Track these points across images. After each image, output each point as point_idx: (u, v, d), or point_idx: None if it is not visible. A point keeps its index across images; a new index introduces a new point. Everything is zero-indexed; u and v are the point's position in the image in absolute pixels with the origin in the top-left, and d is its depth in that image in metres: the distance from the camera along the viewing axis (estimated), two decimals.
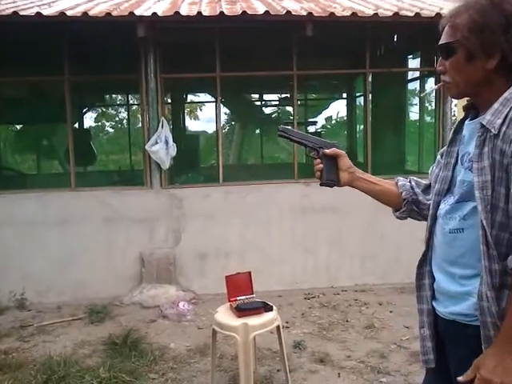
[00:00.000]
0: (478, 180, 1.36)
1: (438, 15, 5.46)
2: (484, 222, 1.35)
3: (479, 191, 1.36)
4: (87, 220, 5.78)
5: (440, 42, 1.47)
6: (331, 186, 1.80)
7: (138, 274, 5.82)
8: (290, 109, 14.07)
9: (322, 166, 1.77)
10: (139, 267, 5.81)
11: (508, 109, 1.33)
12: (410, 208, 1.77)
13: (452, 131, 1.61)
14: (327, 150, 1.77)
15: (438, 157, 1.66)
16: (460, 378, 1.37)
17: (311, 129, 13.17)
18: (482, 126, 1.37)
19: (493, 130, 1.34)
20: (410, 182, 1.79)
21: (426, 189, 1.76)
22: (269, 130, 15.74)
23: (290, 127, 1.91)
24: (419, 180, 1.80)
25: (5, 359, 4.17)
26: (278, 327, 3.38)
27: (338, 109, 15.62)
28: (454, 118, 13.27)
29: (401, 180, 1.80)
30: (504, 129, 1.32)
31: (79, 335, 4.72)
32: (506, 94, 1.36)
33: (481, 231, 1.36)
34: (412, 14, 5.48)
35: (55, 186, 6.34)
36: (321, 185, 1.81)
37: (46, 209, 5.77)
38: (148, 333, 4.70)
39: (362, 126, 9.49)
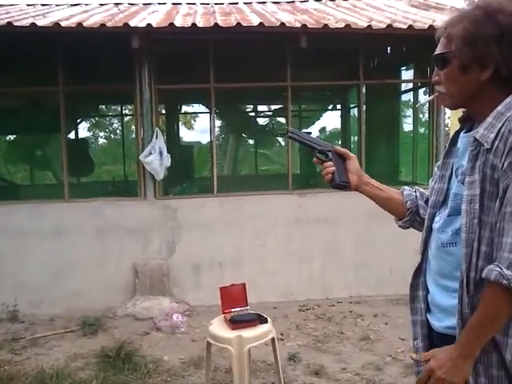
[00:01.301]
0: (467, 193, 1.36)
1: (431, 27, 5.49)
2: (464, 235, 1.35)
3: (466, 204, 1.36)
4: (81, 231, 5.75)
5: (435, 53, 1.47)
6: (344, 188, 1.76)
7: (131, 285, 5.78)
8: (283, 120, 14.13)
9: (333, 168, 1.72)
10: (133, 278, 5.77)
11: (501, 123, 1.32)
12: (413, 218, 1.76)
13: (448, 143, 1.60)
14: (340, 149, 1.76)
15: (435, 169, 1.66)
16: (413, 355, 1.49)
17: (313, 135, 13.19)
18: (475, 139, 1.37)
19: (485, 145, 1.34)
20: (415, 191, 1.79)
21: (427, 201, 1.75)
22: (263, 141, 15.77)
23: (298, 131, 1.90)
24: (424, 191, 1.79)
25: None
26: (272, 339, 3.35)
27: (331, 120, 15.67)
28: (447, 129, 13.36)
29: (406, 189, 1.78)
30: (496, 143, 1.31)
31: (72, 348, 4.68)
32: (499, 108, 1.36)
33: (464, 247, 1.36)
34: (405, 27, 5.51)
35: (49, 196, 6.30)
36: (333, 187, 1.75)
37: (40, 219, 5.74)
38: (141, 345, 4.66)
39: (355, 137, 9.51)
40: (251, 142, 16.03)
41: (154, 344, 4.73)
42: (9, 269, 5.64)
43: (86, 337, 4.95)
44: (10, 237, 5.66)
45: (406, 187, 1.80)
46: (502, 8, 1.34)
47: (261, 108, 14.16)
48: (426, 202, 1.73)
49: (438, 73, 1.47)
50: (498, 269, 1.26)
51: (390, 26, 5.54)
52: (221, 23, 5.49)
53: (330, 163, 1.73)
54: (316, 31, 5.44)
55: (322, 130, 17.05)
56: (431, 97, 1.61)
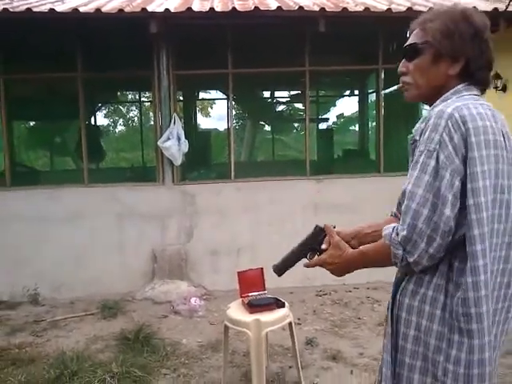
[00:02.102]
0: (404, 188, 1.43)
1: None
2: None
3: (401, 197, 1.49)
4: (100, 216, 5.82)
5: (408, 43, 1.54)
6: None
7: (150, 269, 5.84)
8: (301, 105, 14.06)
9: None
10: (151, 263, 5.83)
11: (431, 115, 1.38)
12: None
13: None
14: (327, 238, 1.69)
15: None
16: (306, 263, 1.74)
17: (323, 125, 13.12)
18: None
19: (416, 137, 1.44)
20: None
21: None
22: (280, 127, 15.71)
23: (277, 263, 1.90)
24: None
25: (18, 353, 4.21)
26: (290, 324, 3.37)
27: (349, 105, 15.59)
28: None
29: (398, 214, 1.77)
30: (423, 133, 1.39)
31: (92, 330, 4.76)
32: (437, 101, 1.47)
33: None
34: (426, 9, 5.42)
35: (68, 181, 6.37)
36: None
37: (59, 204, 5.81)
38: (160, 328, 4.72)
39: (373, 123, 9.44)
40: (268, 127, 15.98)
41: (173, 327, 4.79)
42: (29, 253, 5.73)
43: (106, 319, 5.03)
44: (30, 221, 5.74)
45: (395, 211, 1.76)
46: (476, 13, 1.48)
47: (278, 94, 14.10)
48: None
49: (405, 64, 1.55)
50: (391, 230, 1.40)
51: (410, 8, 5.46)
52: (239, 8, 5.46)
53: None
54: (335, 15, 5.38)
55: (340, 115, 16.96)
56: (396, 86, 1.66)
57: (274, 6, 5.53)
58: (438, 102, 1.46)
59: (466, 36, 1.43)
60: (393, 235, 1.38)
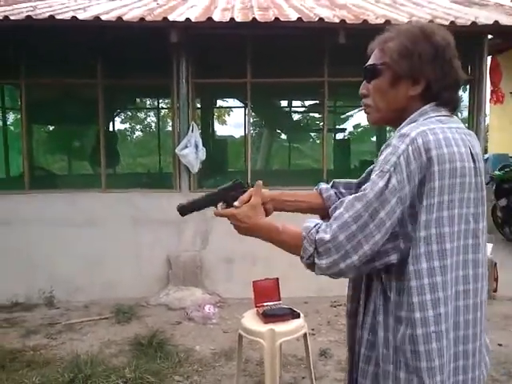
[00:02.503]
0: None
1: (474, 24, 5.40)
2: None
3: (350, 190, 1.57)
4: (116, 221, 5.86)
5: (367, 64, 1.47)
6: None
7: (164, 275, 5.87)
8: (318, 115, 14.06)
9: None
10: (166, 269, 5.86)
11: (395, 136, 1.32)
12: None
13: None
14: (246, 195, 1.56)
15: None
16: (215, 211, 1.62)
17: (340, 135, 13.11)
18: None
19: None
20: (334, 187, 1.71)
21: (359, 184, 1.67)
22: (297, 136, 15.70)
23: (185, 202, 1.73)
24: (348, 181, 1.72)
25: (33, 355, 4.26)
26: (304, 334, 3.36)
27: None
28: (487, 125, 13.08)
29: (324, 190, 1.69)
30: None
31: (106, 334, 4.79)
32: (403, 123, 1.38)
33: None
34: (447, 23, 5.42)
35: (85, 186, 6.44)
36: None
37: (76, 209, 5.87)
38: (173, 334, 4.73)
39: (392, 133, 9.41)
40: (285, 136, 16.00)
41: (186, 334, 4.80)
42: (45, 256, 5.79)
43: (120, 324, 5.06)
44: (47, 225, 5.81)
45: (322, 186, 1.71)
46: (437, 31, 1.39)
47: (296, 103, 14.13)
48: (354, 188, 1.68)
49: (365, 85, 1.47)
50: (312, 225, 1.33)
51: (431, 21, 5.45)
52: (259, 18, 5.50)
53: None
54: (355, 27, 5.39)
55: (357, 125, 16.92)
56: (359, 109, 1.57)
57: (294, 17, 5.56)
58: (404, 123, 1.37)
59: (426, 56, 1.35)
60: (312, 231, 1.31)
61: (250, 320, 3.35)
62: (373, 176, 1.28)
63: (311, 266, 1.34)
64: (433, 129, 1.28)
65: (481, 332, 1.39)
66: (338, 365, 4.06)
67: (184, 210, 1.71)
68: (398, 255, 1.29)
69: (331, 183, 1.72)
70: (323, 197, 1.68)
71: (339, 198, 1.65)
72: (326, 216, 1.63)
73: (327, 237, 1.27)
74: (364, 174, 1.66)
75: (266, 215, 1.59)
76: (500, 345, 4.45)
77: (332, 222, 1.29)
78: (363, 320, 1.41)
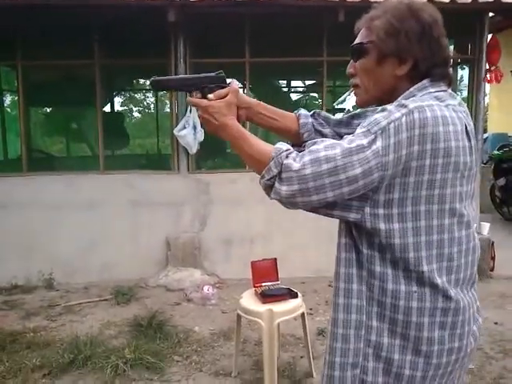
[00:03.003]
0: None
1: (474, 1, 5.33)
2: None
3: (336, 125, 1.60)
4: (115, 203, 5.86)
5: (354, 43, 1.44)
6: None
7: (163, 257, 5.88)
8: (317, 95, 13.97)
9: None
10: (165, 250, 5.87)
11: (393, 104, 1.28)
12: None
13: None
14: (223, 91, 1.47)
15: None
16: (188, 98, 1.48)
17: (339, 115, 13.05)
18: None
19: (368, 113, 1.39)
20: (313, 117, 1.67)
21: (338, 124, 1.66)
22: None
23: (162, 77, 1.56)
24: (327, 115, 1.67)
25: (33, 337, 4.28)
26: (302, 314, 3.38)
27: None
28: (486, 105, 13.02)
29: (302, 116, 1.64)
30: None
31: (105, 316, 4.81)
32: (399, 99, 1.34)
33: None
34: (447, 0, 5.36)
35: (84, 168, 6.42)
36: None
37: (75, 191, 5.86)
38: (173, 315, 4.76)
39: None
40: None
41: (185, 315, 4.83)
42: (44, 238, 5.80)
43: (119, 305, 5.08)
44: (45, 207, 5.80)
45: (302, 112, 1.66)
46: (425, 8, 1.35)
47: (295, 83, 14.02)
48: (336, 124, 1.65)
49: (352, 64, 1.45)
50: (284, 149, 1.29)
51: None
52: None
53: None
54: (355, 5, 5.32)
55: (356, 105, 16.85)
56: (349, 91, 1.49)
57: None
58: (401, 97, 1.33)
59: (413, 34, 1.31)
60: (282, 154, 1.27)
61: (249, 300, 3.37)
62: (358, 130, 1.25)
63: (269, 188, 1.31)
64: (431, 105, 1.24)
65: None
66: None
67: (158, 85, 1.57)
68: (359, 216, 1.28)
69: (312, 112, 1.68)
70: (299, 122, 1.64)
71: (315, 129, 1.64)
72: (297, 144, 1.61)
73: (295, 165, 1.23)
74: (346, 116, 1.65)
75: (237, 121, 1.49)
76: (496, 323, 4.48)
77: (306, 153, 1.25)
78: (338, 271, 1.40)
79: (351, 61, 1.45)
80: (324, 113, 1.68)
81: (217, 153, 9.06)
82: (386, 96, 1.39)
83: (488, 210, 8.55)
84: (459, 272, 1.33)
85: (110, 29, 6.17)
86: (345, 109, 14.09)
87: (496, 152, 8.54)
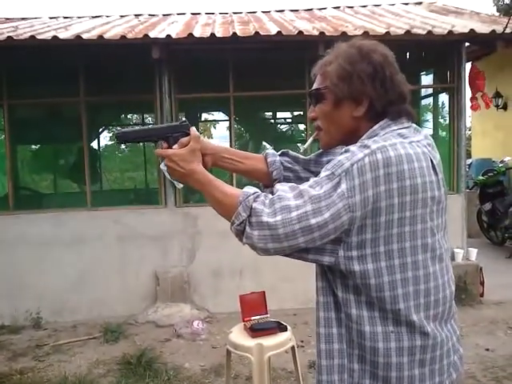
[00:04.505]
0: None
1: (451, 33, 5.48)
2: None
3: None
4: (102, 239, 5.84)
5: (311, 89, 1.47)
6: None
7: (152, 292, 5.84)
8: (303, 126, 14.11)
9: None
10: (154, 285, 5.83)
11: (355, 145, 1.29)
12: None
13: None
14: (185, 139, 1.50)
15: None
16: (156, 149, 1.51)
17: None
18: None
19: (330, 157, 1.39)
20: (282, 156, 1.70)
21: (307, 162, 1.68)
22: (282, 148, 15.70)
23: (127, 129, 1.58)
24: (296, 156, 1.71)
25: (20, 379, 4.21)
26: (292, 347, 3.36)
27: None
28: (469, 132, 13.22)
29: (270, 155, 1.67)
30: None
31: (94, 354, 4.74)
32: (363, 137, 1.36)
33: None
34: (424, 32, 5.50)
35: (72, 205, 6.41)
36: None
37: (62, 228, 5.84)
38: (162, 352, 4.70)
39: None
40: (270, 147, 16.01)
41: (175, 351, 4.77)
42: (32, 277, 5.74)
43: (108, 343, 5.02)
44: (33, 245, 5.76)
45: (269, 151, 1.69)
46: (375, 48, 1.38)
47: (280, 115, 14.16)
48: (305, 163, 1.68)
49: (312, 109, 1.47)
50: (251, 192, 1.29)
51: (408, 32, 5.53)
52: (239, 33, 5.54)
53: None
54: (334, 39, 5.44)
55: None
56: (313, 135, 1.51)
57: (274, 30, 5.61)
58: (364, 136, 1.35)
59: (365, 76, 1.33)
60: (250, 197, 1.27)
61: (238, 335, 3.34)
62: (323, 174, 1.26)
63: (240, 233, 1.32)
64: (394, 144, 1.25)
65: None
66: None
67: (124, 137, 1.56)
68: (333, 260, 1.28)
69: (280, 152, 1.70)
70: (267, 161, 1.66)
71: (284, 166, 1.66)
72: (267, 185, 1.64)
73: (265, 210, 1.24)
74: (315, 154, 1.67)
75: (204, 167, 1.50)
76: (487, 349, 4.48)
77: (275, 199, 1.25)
78: (318, 316, 1.39)
79: (311, 106, 1.47)
80: (292, 152, 1.71)
81: None
82: (348, 137, 1.40)
83: (476, 234, 8.62)
84: (437, 307, 1.33)
85: (94, 66, 6.25)
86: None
87: (481, 177, 8.65)
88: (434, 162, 1.31)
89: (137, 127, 1.64)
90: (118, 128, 1.71)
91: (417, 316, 1.29)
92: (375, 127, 1.35)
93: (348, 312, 1.32)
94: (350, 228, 1.23)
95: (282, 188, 1.30)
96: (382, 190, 1.21)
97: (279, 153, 1.70)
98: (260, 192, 1.32)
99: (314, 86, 1.45)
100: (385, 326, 1.28)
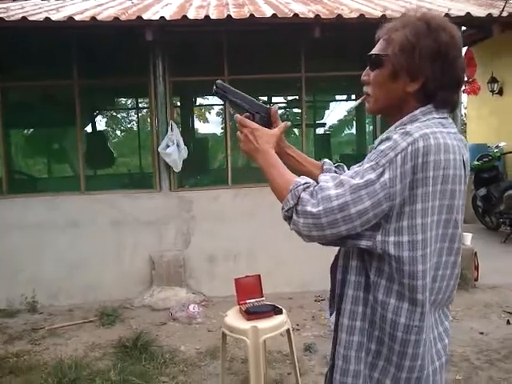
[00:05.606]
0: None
1: (447, 16, 5.43)
2: None
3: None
4: (97, 223, 5.82)
5: (371, 52, 1.44)
6: None
7: (148, 276, 5.84)
8: (298, 110, 14.06)
9: None
10: (149, 270, 5.83)
11: (398, 132, 1.30)
12: None
13: None
14: (273, 113, 1.61)
15: None
16: (237, 116, 1.54)
17: (320, 130, 13.16)
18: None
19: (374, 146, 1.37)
20: (336, 167, 1.74)
21: None
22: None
23: (230, 87, 1.63)
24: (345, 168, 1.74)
25: (16, 362, 4.21)
26: (287, 330, 3.37)
27: (346, 110, 15.52)
28: (464, 118, 13.21)
29: (327, 164, 1.72)
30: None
31: (90, 338, 4.75)
32: (404, 118, 1.37)
33: None
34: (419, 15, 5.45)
35: (66, 189, 6.38)
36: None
37: (57, 212, 5.82)
38: (158, 335, 4.72)
39: (371, 127, 9.47)
40: None
41: (171, 334, 4.79)
42: (27, 261, 5.73)
43: (104, 327, 5.03)
44: (27, 230, 5.74)
45: (327, 160, 1.74)
46: (445, 26, 1.34)
47: (275, 99, 14.10)
48: None
49: (368, 72, 1.45)
50: (302, 183, 1.33)
51: (404, 14, 5.48)
52: (234, 15, 5.48)
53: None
54: (329, 22, 5.41)
55: (337, 120, 16.96)
56: (361, 99, 1.50)
57: (269, 13, 5.56)
58: (406, 119, 1.36)
59: (427, 53, 1.31)
60: (299, 187, 1.31)
61: (233, 318, 3.36)
62: (366, 164, 1.27)
63: (288, 219, 1.35)
64: (435, 133, 1.27)
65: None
66: (322, 359, 4.07)
67: (222, 90, 1.61)
68: (370, 243, 1.30)
69: (336, 164, 1.75)
70: (323, 168, 1.70)
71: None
72: None
73: (310, 200, 1.28)
74: None
75: None
76: (481, 333, 4.51)
77: (317, 189, 1.29)
78: (346, 293, 1.42)
79: (367, 68, 1.45)
80: (345, 167, 1.74)
81: (199, 170, 9.06)
82: (393, 109, 1.41)
83: (471, 220, 8.64)
84: (439, 293, 1.37)
85: (88, 49, 6.18)
86: (325, 123, 14.22)
87: (476, 162, 8.64)
88: (464, 157, 1.34)
89: (235, 89, 1.67)
90: (219, 82, 1.70)
91: (428, 304, 1.34)
92: (416, 112, 1.36)
93: (375, 295, 1.34)
94: (389, 214, 1.27)
95: (324, 178, 1.33)
96: (419, 178, 1.24)
97: (335, 165, 1.74)
98: (312, 183, 1.34)
99: (375, 50, 1.42)
100: (410, 320, 1.31)
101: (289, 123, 1.60)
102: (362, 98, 1.50)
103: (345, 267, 1.44)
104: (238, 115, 1.55)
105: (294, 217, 1.31)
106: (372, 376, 1.37)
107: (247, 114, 1.59)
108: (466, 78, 6.21)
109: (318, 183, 1.33)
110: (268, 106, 1.63)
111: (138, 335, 4.41)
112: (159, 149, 5.77)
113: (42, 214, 5.81)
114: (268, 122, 1.61)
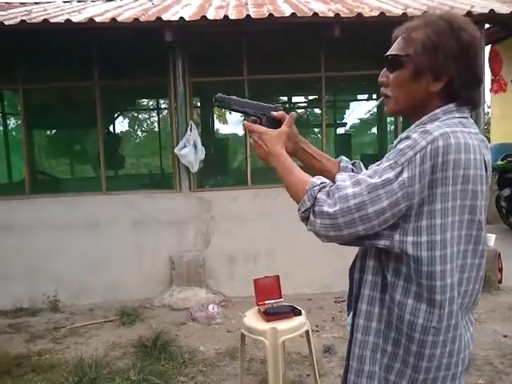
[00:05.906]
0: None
1: (469, 13, 5.35)
2: None
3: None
4: (118, 223, 5.86)
5: (389, 52, 1.41)
6: None
7: (168, 276, 5.86)
8: (318, 110, 14.00)
9: None
10: (169, 270, 5.85)
11: (417, 131, 1.28)
12: None
13: None
14: (275, 113, 1.59)
15: None
16: (244, 121, 1.57)
17: (340, 130, 13.10)
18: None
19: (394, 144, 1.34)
20: (353, 164, 1.71)
21: None
22: (298, 132, 15.65)
23: (229, 96, 1.64)
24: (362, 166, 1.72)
25: (38, 360, 4.27)
26: (307, 332, 3.35)
27: (367, 109, 15.42)
28: (487, 117, 13.00)
29: (344, 161, 1.70)
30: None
31: (110, 337, 4.79)
32: (424, 118, 1.35)
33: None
34: None
35: (87, 189, 6.44)
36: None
37: (78, 212, 5.87)
38: (178, 335, 4.73)
39: (392, 127, 9.37)
40: None
41: (190, 334, 4.79)
42: (49, 261, 5.80)
43: (125, 326, 5.06)
44: (49, 229, 5.81)
45: (344, 158, 1.72)
46: (466, 26, 1.33)
47: (295, 99, 14.06)
48: None
49: (385, 74, 1.42)
50: (318, 183, 1.32)
51: (425, 13, 5.41)
52: (253, 15, 5.47)
53: None
54: (349, 20, 5.36)
55: (358, 120, 16.85)
56: (379, 100, 1.48)
57: (288, 12, 5.53)
58: (426, 118, 1.33)
59: (450, 53, 1.29)
60: (315, 188, 1.31)
61: (252, 319, 3.34)
62: (385, 163, 1.26)
63: (305, 220, 1.34)
64: (455, 132, 1.25)
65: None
66: (342, 361, 4.03)
67: (223, 102, 1.62)
68: (388, 243, 1.28)
69: (353, 161, 1.72)
70: (340, 165, 1.68)
71: (354, 173, 1.65)
72: None
73: (327, 201, 1.27)
74: None
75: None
76: (505, 336, 4.43)
77: (334, 188, 1.29)
78: (362, 293, 1.40)
79: (384, 69, 1.43)
80: (361, 164, 1.72)
81: (218, 170, 9.07)
82: (415, 110, 1.39)
83: (494, 220, 8.50)
84: (465, 297, 1.35)
85: (108, 50, 6.23)
86: (346, 123, 14.14)
87: (500, 162, 8.49)
88: (486, 157, 1.32)
89: (236, 97, 1.67)
90: (218, 94, 1.72)
91: (456, 306, 1.31)
92: (437, 111, 1.34)
93: (393, 296, 1.33)
94: (408, 213, 1.25)
95: (341, 177, 1.32)
96: (438, 177, 1.22)
97: (352, 162, 1.72)
98: (328, 183, 1.33)
99: (394, 51, 1.40)
100: (427, 321, 1.29)
101: (294, 113, 1.58)
102: (381, 99, 1.47)
103: (362, 267, 1.42)
104: (245, 122, 1.57)
105: (311, 217, 1.30)
106: (388, 378, 1.35)
107: (254, 118, 1.59)
108: (491, 76, 6.12)
109: (334, 182, 1.32)
110: (271, 105, 1.62)
111: (157, 335, 4.42)
112: (175, 150, 5.79)
113: (64, 214, 5.87)
114: (276, 122, 1.59)
